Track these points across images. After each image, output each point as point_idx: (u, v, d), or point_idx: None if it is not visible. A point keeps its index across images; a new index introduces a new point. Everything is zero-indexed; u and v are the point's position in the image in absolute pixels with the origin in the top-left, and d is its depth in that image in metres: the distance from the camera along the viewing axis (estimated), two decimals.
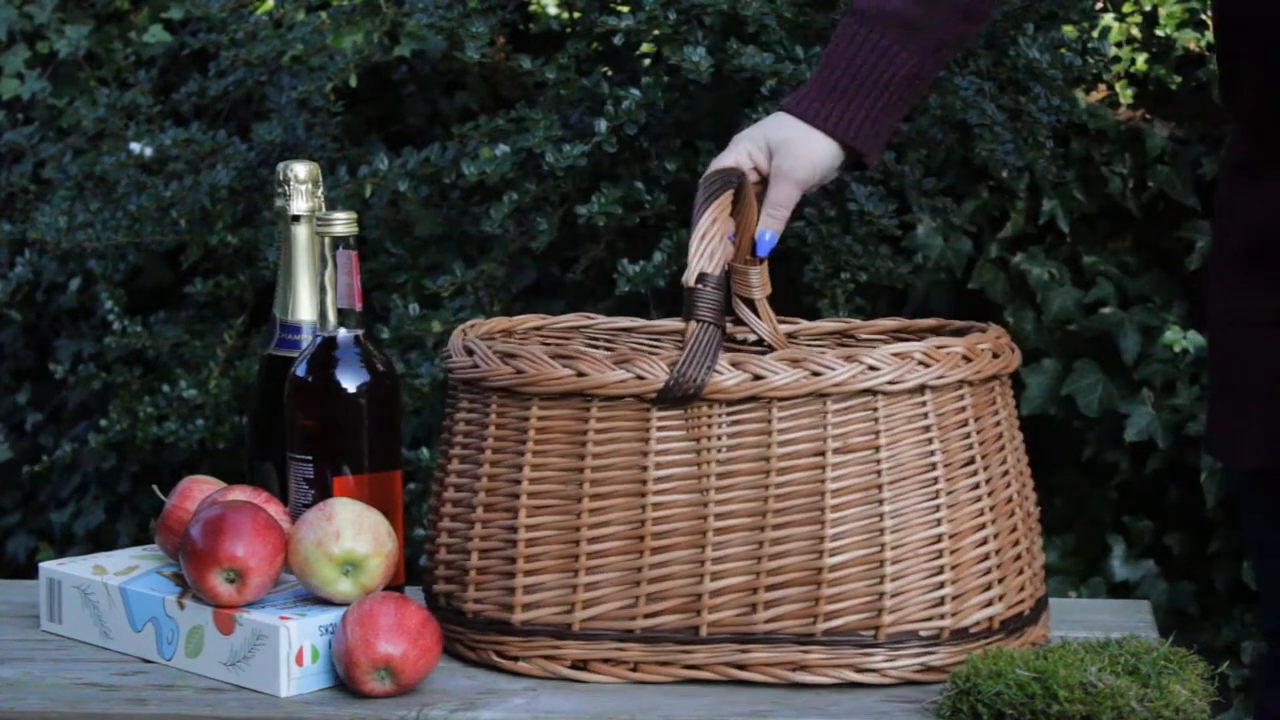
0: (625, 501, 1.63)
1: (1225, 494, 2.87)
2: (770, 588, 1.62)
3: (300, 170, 1.82)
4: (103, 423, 3.21)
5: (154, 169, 3.18)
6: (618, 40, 2.86)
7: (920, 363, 1.63)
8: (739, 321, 1.79)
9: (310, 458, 1.73)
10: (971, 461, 1.66)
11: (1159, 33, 3.13)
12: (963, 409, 1.66)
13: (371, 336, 1.76)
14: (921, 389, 1.63)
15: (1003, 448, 1.69)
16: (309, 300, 1.83)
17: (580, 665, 1.65)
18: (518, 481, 1.66)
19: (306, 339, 1.81)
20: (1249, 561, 2.66)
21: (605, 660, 1.64)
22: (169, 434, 3.12)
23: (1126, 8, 3.15)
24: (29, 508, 3.76)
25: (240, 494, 1.72)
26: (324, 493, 1.72)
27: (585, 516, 1.64)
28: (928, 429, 1.63)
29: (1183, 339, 2.88)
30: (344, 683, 1.61)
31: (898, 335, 1.84)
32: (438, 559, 1.71)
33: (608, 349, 1.85)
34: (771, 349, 1.78)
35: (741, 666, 1.62)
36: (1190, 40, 3.11)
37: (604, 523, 1.63)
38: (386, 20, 3.00)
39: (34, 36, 3.64)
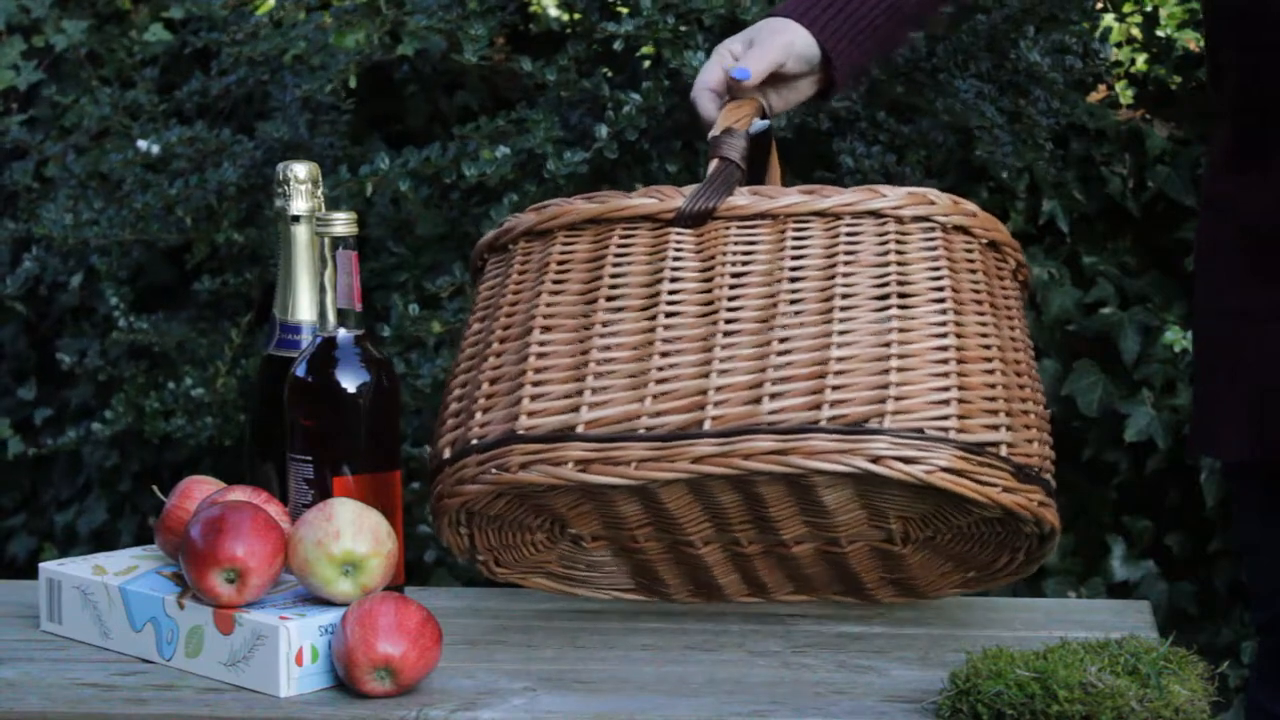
0: (637, 315, 1.67)
1: (1225, 494, 2.87)
2: (776, 381, 1.62)
3: (300, 170, 1.82)
4: (107, 414, 3.21)
5: (159, 167, 3.18)
6: (616, 46, 2.86)
7: (930, 201, 1.69)
8: None
9: (310, 458, 1.73)
10: (980, 302, 1.69)
11: (1159, 33, 3.13)
12: (972, 258, 1.70)
13: (371, 336, 1.76)
14: (930, 223, 1.68)
15: (1012, 318, 1.73)
16: (309, 300, 1.83)
17: (583, 467, 1.63)
18: (535, 308, 1.70)
19: (306, 339, 1.82)
20: (1242, 556, 2.67)
21: (607, 461, 1.63)
22: (177, 430, 3.12)
23: (1126, 8, 3.15)
24: (31, 508, 3.76)
25: (240, 494, 1.72)
26: (324, 493, 1.72)
27: (596, 328, 1.66)
28: (936, 259, 1.67)
29: (1183, 339, 2.88)
30: (344, 683, 1.61)
31: None
32: (446, 415, 1.72)
33: None
34: None
35: (746, 456, 1.61)
36: (1190, 40, 3.11)
37: (614, 333, 1.66)
38: (387, 21, 3.01)
39: (31, 30, 3.64)
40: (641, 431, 1.63)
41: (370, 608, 1.59)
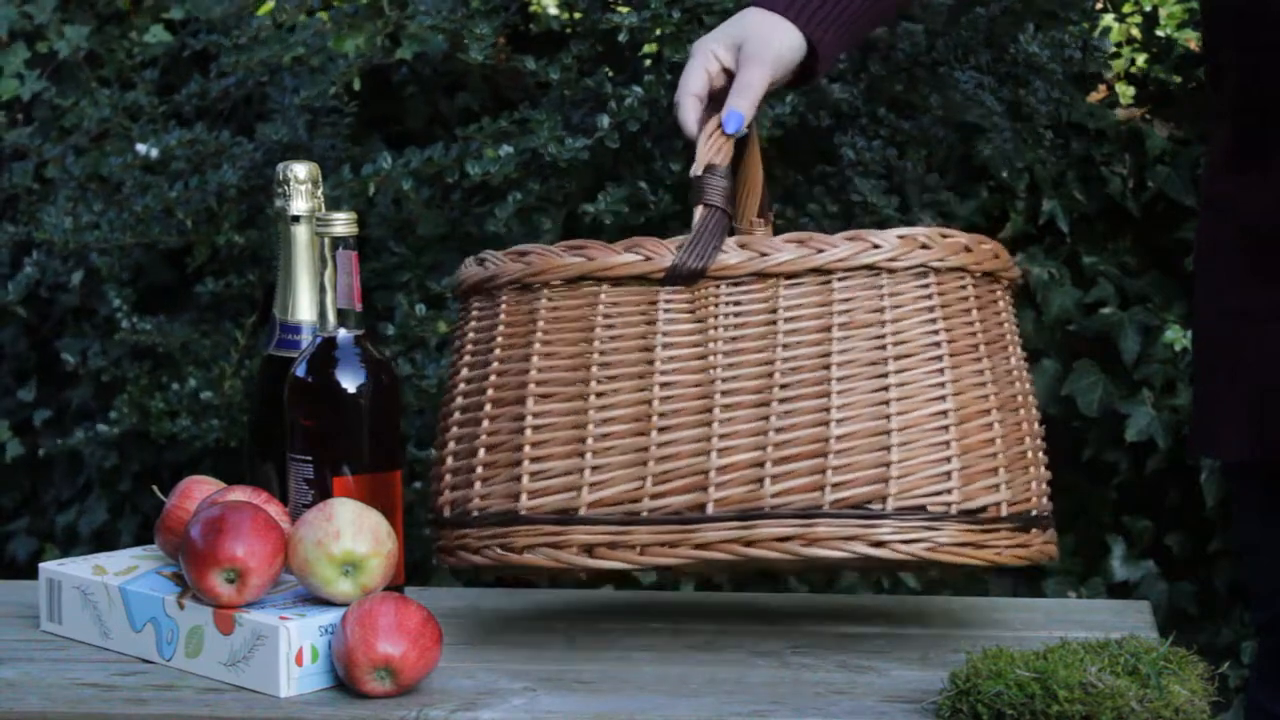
0: (632, 384, 1.63)
1: (1225, 494, 2.87)
2: (777, 461, 1.61)
3: (300, 170, 1.82)
4: (112, 415, 3.21)
5: (158, 169, 3.18)
6: (621, 38, 2.86)
7: (922, 245, 1.65)
8: None
9: (310, 458, 1.73)
10: (976, 349, 1.67)
11: (1159, 33, 3.13)
12: (965, 297, 1.67)
13: (371, 337, 1.76)
14: (925, 269, 1.65)
15: (1006, 347, 1.70)
16: (309, 300, 1.83)
17: (586, 551, 1.63)
18: (526, 373, 1.66)
19: (306, 339, 1.82)
20: (1240, 556, 2.67)
21: (612, 545, 1.62)
22: (183, 431, 3.12)
23: (1126, 8, 3.15)
24: (31, 508, 3.76)
25: (240, 494, 1.72)
26: (324, 493, 1.72)
27: (593, 400, 1.63)
28: (931, 309, 1.65)
29: (1183, 339, 2.88)
30: (344, 683, 1.61)
31: None
32: (443, 470, 1.71)
33: None
34: None
35: (749, 543, 1.60)
36: (1190, 40, 3.11)
37: (611, 405, 1.63)
38: (390, 22, 3.01)
39: (34, 36, 3.64)
40: (645, 514, 1.62)
41: (370, 608, 1.59)
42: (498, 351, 1.69)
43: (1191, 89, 3.09)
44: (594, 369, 1.64)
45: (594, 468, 1.63)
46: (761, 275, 1.63)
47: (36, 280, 3.43)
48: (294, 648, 1.61)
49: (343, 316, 1.74)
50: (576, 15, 3.09)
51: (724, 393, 1.62)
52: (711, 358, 1.63)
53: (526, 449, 1.65)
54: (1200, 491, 2.92)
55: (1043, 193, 3.00)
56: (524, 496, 1.65)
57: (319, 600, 1.66)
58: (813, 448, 1.61)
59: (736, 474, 1.61)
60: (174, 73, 3.54)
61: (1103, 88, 3.13)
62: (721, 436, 1.62)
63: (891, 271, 1.64)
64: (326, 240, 1.73)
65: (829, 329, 1.62)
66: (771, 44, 1.73)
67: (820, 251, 1.63)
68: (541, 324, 1.66)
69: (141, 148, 3.12)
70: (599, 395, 1.64)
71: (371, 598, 1.60)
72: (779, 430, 1.61)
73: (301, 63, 3.16)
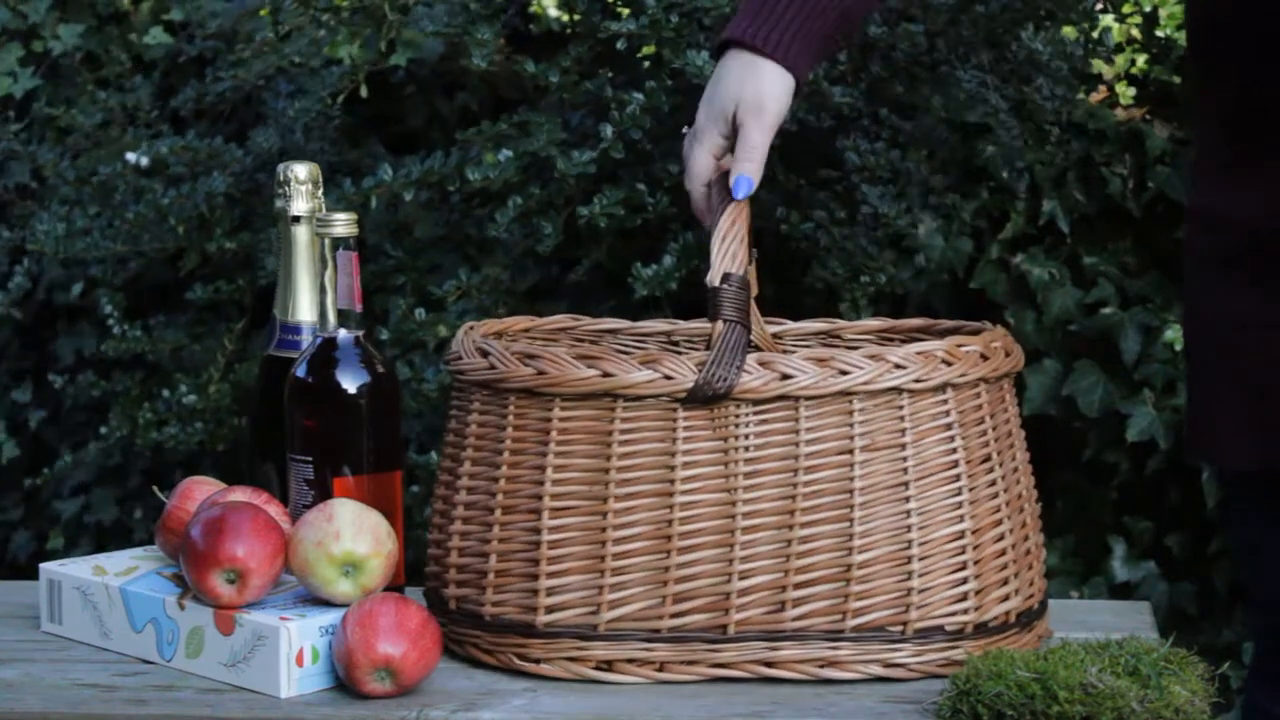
0: (651, 502, 1.62)
1: (1225, 495, 2.87)
2: (799, 585, 1.62)
3: (300, 171, 1.82)
4: (103, 430, 3.21)
5: (153, 174, 3.18)
6: (620, 45, 2.86)
7: (943, 361, 1.64)
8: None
9: (310, 458, 1.73)
10: (989, 459, 1.67)
11: (1159, 33, 3.13)
12: (979, 406, 1.67)
13: (371, 337, 1.76)
14: (944, 387, 1.64)
15: (1013, 444, 1.71)
16: (309, 301, 1.83)
17: (605, 666, 1.64)
18: (540, 483, 1.65)
19: (306, 340, 1.81)
20: (1242, 558, 2.66)
21: (631, 660, 1.64)
22: (169, 438, 3.12)
23: (1126, 8, 3.15)
24: (30, 507, 3.76)
25: (240, 494, 1.72)
26: (324, 493, 1.72)
27: (610, 517, 1.63)
28: (949, 426, 1.65)
29: (1182, 339, 2.87)
30: (344, 683, 1.61)
31: (884, 336, 1.85)
32: (448, 563, 1.70)
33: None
34: (758, 349, 1.78)
35: (770, 664, 1.63)
36: None
37: (630, 523, 1.62)
38: (392, 28, 3.00)
39: (29, 35, 3.64)
40: (664, 632, 1.63)
41: (370, 608, 1.59)
42: (507, 455, 1.66)
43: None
44: (611, 486, 1.63)
45: (613, 585, 1.63)
46: (784, 398, 1.62)
47: (29, 288, 3.43)
48: (294, 648, 1.61)
49: (343, 317, 1.74)
50: (575, 17, 3.09)
51: (745, 515, 1.62)
52: (732, 479, 1.62)
53: (543, 564, 1.64)
54: (1200, 491, 2.92)
55: (1043, 193, 3.00)
56: (541, 612, 1.65)
57: (319, 601, 1.66)
58: (834, 571, 1.62)
59: (758, 595, 1.63)
60: (173, 75, 3.55)
61: (1103, 88, 3.13)
62: (743, 559, 1.62)
63: (913, 392, 1.63)
64: (326, 241, 1.73)
65: (850, 452, 1.62)
66: (766, 101, 1.70)
67: (844, 374, 1.62)
68: (555, 434, 1.64)
69: (131, 156, 3.12)
70: (617, 514, 1.63)
71: (371, 598, 1.60)
72: (800, 555, 1.62)
73: (299, 66, 3.15)
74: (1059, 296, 2.99)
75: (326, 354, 1.74)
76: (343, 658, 1.58)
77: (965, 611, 1.64)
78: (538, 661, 1.65)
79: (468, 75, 3.25)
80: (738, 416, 1.62)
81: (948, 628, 1.64)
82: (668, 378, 1.62)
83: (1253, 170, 1.76)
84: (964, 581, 1.64)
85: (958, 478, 1.65)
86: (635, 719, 1.56)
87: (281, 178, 1.82)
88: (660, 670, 1.63)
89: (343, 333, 1.74)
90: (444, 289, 2.89)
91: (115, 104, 3.29)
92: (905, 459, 1.63)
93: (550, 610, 1.64)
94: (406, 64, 3.26)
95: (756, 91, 1.70)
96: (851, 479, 1.62)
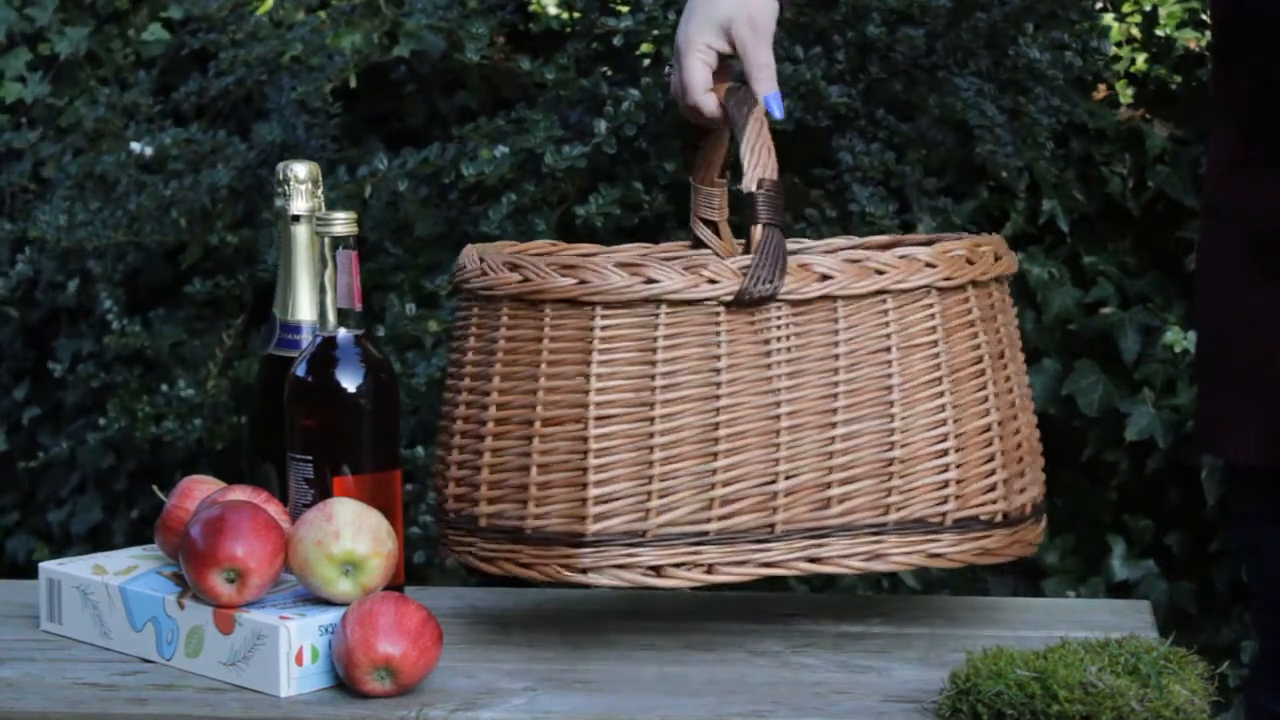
0: (696, 406, 1.64)
1: (1225, 494, 2.87)
2: (842, 482, 1.65)
3: (300, 170, 1.82)
4: (101, 421, 3.21)
5: (154, 168, 3.18)
6: (617, 41, 2.86)
7: (967, 260, 1.69)
8: (698, 242, 1.83)
9: (310, 458, 1.73)
10: (1003, 354, 1.73)
11: (1159, 33, 3.13)
12: (993, 305, 1.73)
13: (371, 337, 1.76)
14: (968, 285, 1.70)
15: (1016, 342, 1.76)
16: (309, 300, 1.83)
17: (653, 571, 1.64)
18: (585, 392, 1.64)
19: (306, 339, 1.81)
20: (1242, 557, 2.67)
21: (680, 564, 1.64)
22: (167, 433, 3.12)
23: (1126, 8, 3.15)
24: (28, 507, 3.76)
25: (240, 494, 1.72)
26: (324, 493, 1.72)
27: (657, 423, 1.63)
28: (973, 323, 1.70)
29: (1183, 339, 2.88)
30: (344, 683, 1.61)
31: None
32: (480, 480, 1.68)
33: None
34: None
35: (816, 560, 1.65)
36: (1190, 40, 3.11)
37: (675, 428, 1.64)
38: (386, 21, 3.00)
39: (35, 39, 3.64)
40: (712, 535, 1.64)
41: (370, 608, 1.59)
42: (544, 367, 1.65)
43: (1191, 89, 3.09)
44: (657, 392, 1.63)
45: (660, 491, 1.64)
46: (824, 298, 1.65)
47: (32, 280, 3.43)
48: (294, 647, 1.61)
49: (343, 316, 1.74)
50: (575, 15, 3.09)
51: (788, 414, 1.65)
52: (774, 380, 1.65)
53: (591, 473, 1.64)
54: (1200, 491, 2.92)
55: (1043, 193, 3.00)
56: (590, 520, 1.64)
57: (319, 600, 1.66)
58: (876, 466, 1.66)
59: (803, 494, 1.65)
60: (173, 72, 3.55)
61: (1102, 87, 3.13)
62: (787, 459, 1.64)
63: (942, 290, 1.68)
64: (326, 240, 1.73)
65: (888, 349, 1.66)
66: (760, 15, 1.74)
67: (880, 274, 1.66)
68: (598, 343, 1.64)
69: (136, 146, 3.12)
70: (663, 419, 1.63)
71: (371, 597, 1.60)
72: (843, 452, 1.65)
73: (299, 62, 3.15)
74: (1059, 296, 2.99)
75: (326, 353, 1.74)
76: (342, 657, 1.58)
77: (995, 501, 1.70)
78: (584, 571, 1.64)
79: (468, 74, 3.25)
80: (778, 319, 1.65)
81: (982, 517, 1.69)
82: (712, 282, 1.63)
83: (1267, 165, 1.76)
84: (993, 473, 1.70)
85: (984, 372, 1.70)
86: (635, 718, 1.56)
87: (281, 177, 1.82)
88: (709, 573, 1.64)
89: (343, 332, 1.74)
90: (435, 284, 2.89)
91: (117, 101, 3.29)
92: (938, 355, 1.68)
93: (599, 519, 1.64)
94: (408, 61, 3.26)
95: (749, 9, 1.74)
96: (890, 376, 1.66)
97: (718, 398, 1.64)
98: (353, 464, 1.73)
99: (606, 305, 1.64)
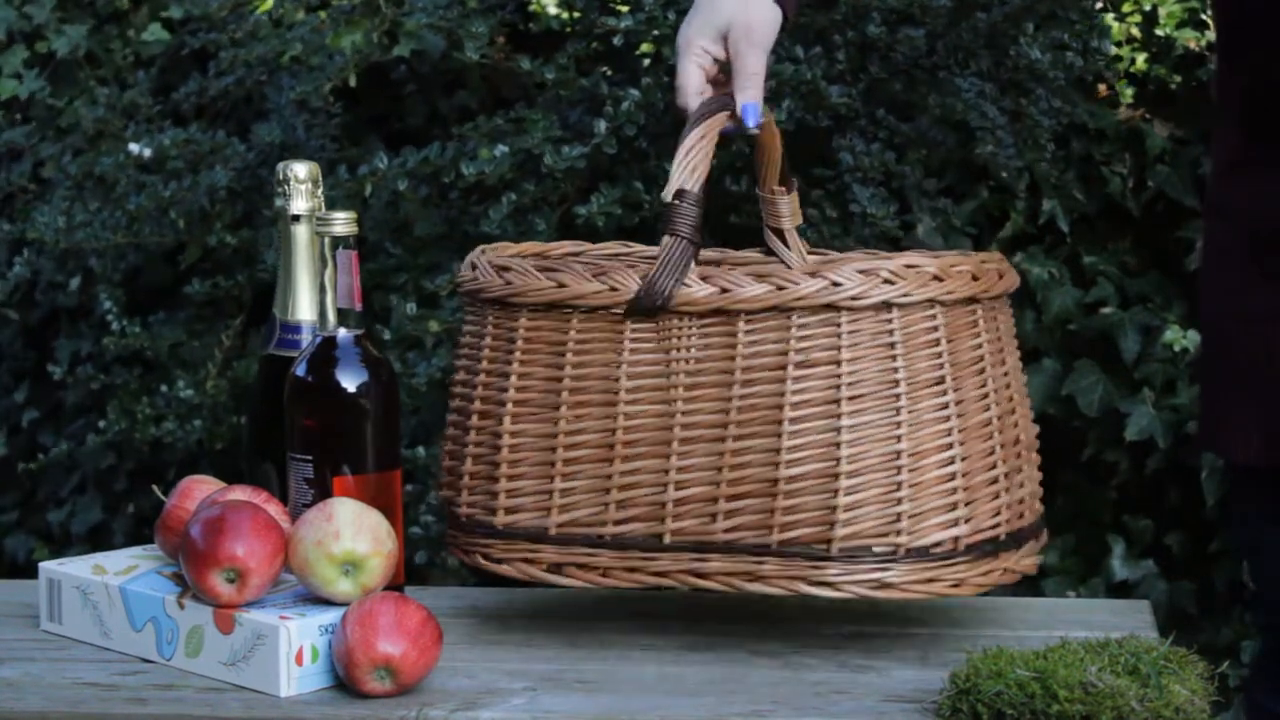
0: (599, 410, 1.68)
1: (1225, 494, 2.87)
2: (729, 498, 1.65)
3: (300, 170, 1.82)
4: (101, 424, 3.21)
5: (153, 169, 3.18)
6: (617, 41, 2.86)
7: (885, 280, 1.63)
8: (769, 252, 1.83)
9: (310, 458, 1.73)
10: (940, 381, 1.65)
11: (1159, 32, 3.13)
12: (934, 328, 1.65)
13: (371, 336, 1.76)
14: (887, 305, 1.64)
15: (982, 370, 1.69)
16: (309, 300, 1.83)
17: (555, 569, 1.70)
18: (505, 390, 1.72)
19: (306, 339, 1.81)
20: (1242, 557, 2.66)
21: (578, 565, 1.69)
22: (167, 434, 3.12)
23: (1126, 7, 3.15)
24: (28, 507, 3.76)
25: (240, 494, 1.72)
26: (324, 493, 1.72)
27: (563, 424, 1.69)
28: (892, 346, 1.64)
29: (1183, 339, 2.88)
30: (344, 683, 1.61)
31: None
32: (445, 466, 1.77)
33: None
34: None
35: (700, 575, 1.66)
36: (1190, 40, 3.11)
37: (579, 430, 1.68)
38: (386, 20, 3.00)
39: (33, 37, 3.64)
40: (607, 539, 1.68)
41: (370, 607, 1.59)
42: (484, 364, 1.74)
43: (1192, 89, 3.09)
44: (565, 394, 1.70)
45: (562, 490, 1.70)
46: (723, 311, 1.65)
47: (31, 282, 3.42)
48: (294, 647, 1.61)
49: (343, 316, 1.74)
50: (575, 15, 3.09)
51: (683, 426, 1.66)
52: (673, 391, 1.66)
53: (504, 467, 1.72)
54: (1200, 491, 2.92)
55: (1043, 193, 3.00)
56: (500, 513, 1.73)
57: (319, 600, 1.66)
58: (762, 485, 1.64)
59: (691, 506, 1.66)
60: (172, 72, 3.55)
61: (1103, 87, 3.13)
62: (679, 470, 1.66)
63: (852, 310, 1.63)
64: (326, 240, 1.73)
65: (785, 368, 1.64)
66: (757, 24, 1.74)
67: (781, 289, 1.63)
68: (520, 344, 1.71)
69: (134, 147, 3.12)
70: (569, 420, 1.69)
71: (371, 597, 1.60)
72: (732, 468, 1.65)
73: (299, 62, 3.15)
74: (1058, 296, 2.99)
75: (326, 353, 1.74)
76: (342, 657, 1.58)
77: (897, 534, 1.63)
78: (499, 562, 1.72)
79: (468, 73, 3.25)
80: (680, 328, 1.66)
81: (876, 549, 1.63)
82: (613, 289, 1.67)
83: (1268, 165, 1.76)
84: (897, 504, 1.63)
85: (897, 398, 1.63)
86: (635, 718, 1.56)
87: (281, 176, 1.82)
88: (604, 576, 1.68)
89: (343, 332, 1.74)
90: (436, 283, 2.89)
91: (116, 101, 3.29)
92: (840, 376, 1.63)
93: (509, 512, 1.72)
94: (408, 60, 3.26)
95: (747, 16, 1.74)
96: (783, 395, 1.63)
97: (617, 404, 1.67)
98: (353, 464, 1.73)
99: (529, 308, 1.71)
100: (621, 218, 2.84)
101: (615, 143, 2.80)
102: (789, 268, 1.75)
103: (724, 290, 1.64)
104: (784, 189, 1.80)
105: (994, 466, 1.69)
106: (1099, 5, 3.11)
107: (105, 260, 3.32)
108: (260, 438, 1.84)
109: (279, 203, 1.83)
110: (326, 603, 1.66)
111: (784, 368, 1.63)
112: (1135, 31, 3.15)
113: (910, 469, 1.64)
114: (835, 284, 1.63)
